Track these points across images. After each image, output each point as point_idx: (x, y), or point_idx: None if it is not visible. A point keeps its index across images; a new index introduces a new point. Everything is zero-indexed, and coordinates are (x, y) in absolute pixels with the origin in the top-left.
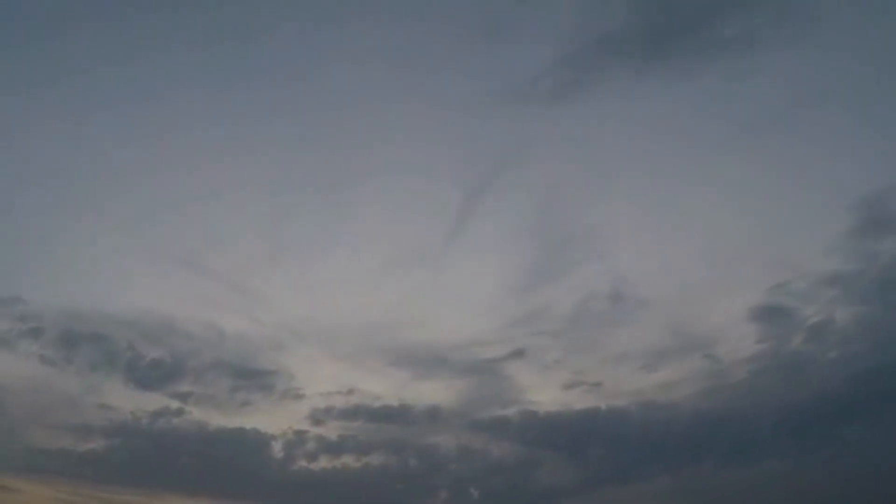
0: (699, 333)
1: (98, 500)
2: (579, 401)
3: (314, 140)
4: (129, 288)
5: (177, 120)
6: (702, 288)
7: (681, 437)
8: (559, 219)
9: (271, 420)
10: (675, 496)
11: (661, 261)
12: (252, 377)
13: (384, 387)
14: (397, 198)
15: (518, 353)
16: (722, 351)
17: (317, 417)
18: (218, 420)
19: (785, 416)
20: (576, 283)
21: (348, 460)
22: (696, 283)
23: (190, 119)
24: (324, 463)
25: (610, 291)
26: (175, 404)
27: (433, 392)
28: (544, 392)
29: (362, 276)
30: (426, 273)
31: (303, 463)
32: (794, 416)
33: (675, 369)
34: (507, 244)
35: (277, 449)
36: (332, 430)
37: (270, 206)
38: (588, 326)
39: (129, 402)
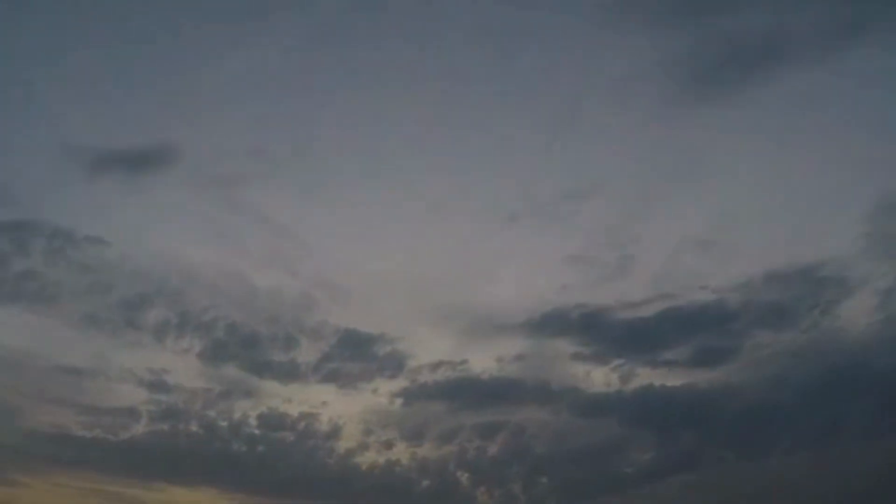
0: (807, 282)
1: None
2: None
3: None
4: (212, 241)
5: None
6: (809, 228)
7: (779, 413)
8: (649, 155)
9: (355, 399)
10: (757, 481)
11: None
12: (353, 345)
13: (483, 359)
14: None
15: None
16: (833, 303)
17: (409, 395)
18: (292, 397)
19: None
20: (668, 225)
21: (427, 449)
22: (802, 225)
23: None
24: (392, 454)
25: (704, 236)
26: (249, 381)
27: (542, 364)
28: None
29: (411, 222)
30: (491, 215)
31: (371, 453)
32: None
33: (781, 328)
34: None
35: (350, 434)
36: (418, 412)
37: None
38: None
39: (193, 377)
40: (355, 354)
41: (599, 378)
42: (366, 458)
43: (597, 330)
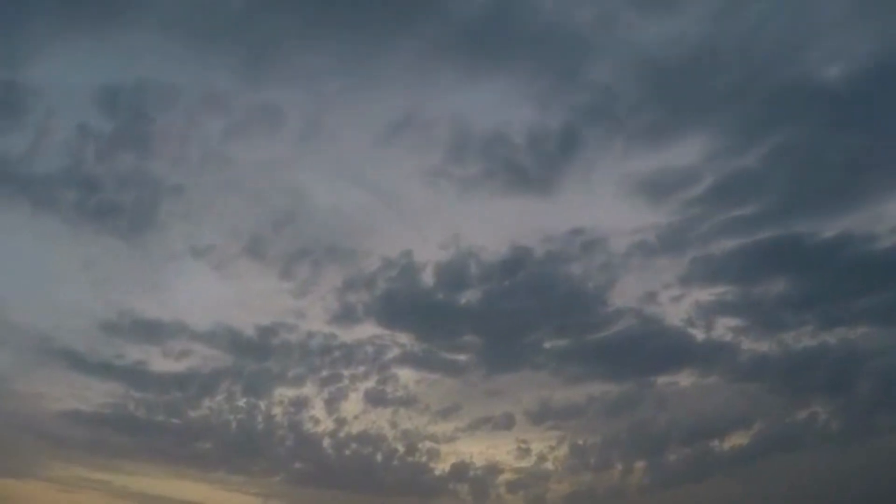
0: None
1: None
2: None
3: None
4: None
5: None
6: None
7: None
8: None
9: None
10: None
11: None
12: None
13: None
14: None
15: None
16: None
17: (566, 356)
18: (430, 358)
19: None
20: None
21: (538, 431)
22: None
23: None
24: (495, 439)
25: None
26: (381, 337)
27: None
28: None
29: None
30: None
31: (477, 437)
32: None
33: None
34: None
35: (467, 412)
36: (561, 380)
37: None
38: None
39: (311, 333)
40: (535, 295)
41: (790, 331)
42: (457, 446)
43: (817, 268)
